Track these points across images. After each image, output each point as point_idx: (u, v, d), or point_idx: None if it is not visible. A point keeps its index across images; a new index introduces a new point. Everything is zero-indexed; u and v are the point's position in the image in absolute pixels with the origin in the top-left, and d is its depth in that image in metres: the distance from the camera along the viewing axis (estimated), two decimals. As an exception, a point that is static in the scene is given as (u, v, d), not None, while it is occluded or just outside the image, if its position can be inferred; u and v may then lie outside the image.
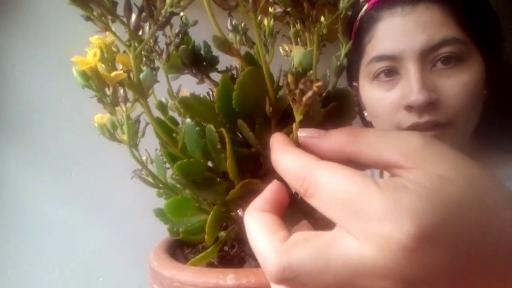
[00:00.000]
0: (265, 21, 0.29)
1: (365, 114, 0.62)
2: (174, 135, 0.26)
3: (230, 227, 0.29)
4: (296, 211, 0.23)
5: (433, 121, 0.50)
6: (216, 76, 0.29)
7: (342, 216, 0.16)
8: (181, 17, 0.27)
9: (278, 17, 0.25)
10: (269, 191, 0.20)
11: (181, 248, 0.31)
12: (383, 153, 0.17)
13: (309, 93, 0.19)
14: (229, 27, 0.27)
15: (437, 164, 0.16)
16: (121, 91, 0.20)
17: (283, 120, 0.25)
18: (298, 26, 0.25)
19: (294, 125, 0.21)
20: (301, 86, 0.19)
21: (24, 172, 0.70)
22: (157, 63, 0.27)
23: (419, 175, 0.16)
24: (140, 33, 0.18)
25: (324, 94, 0.25)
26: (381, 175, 0.65)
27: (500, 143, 0.58)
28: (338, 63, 0.27)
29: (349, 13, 0.59)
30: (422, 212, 0.14)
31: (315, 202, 0.17)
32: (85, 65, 0.19)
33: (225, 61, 0.30)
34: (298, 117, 0.20)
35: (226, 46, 0.23)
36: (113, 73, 0.20)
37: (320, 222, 0.31)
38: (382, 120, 0.56)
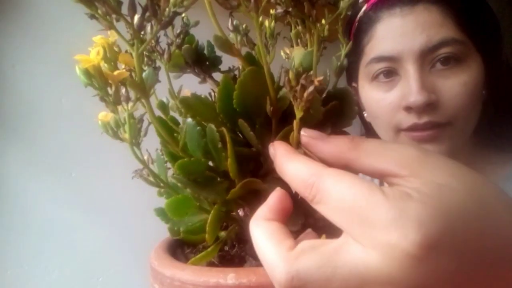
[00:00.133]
0: (266, 23, 0.29)
1: (365, 114, 0.62)
2: (175, 134, 0.26)
3: (230, 227, 0.29)
4: (296, 211, 0.23)
5: (432, 121, 0.50)
6: (218, 76, 0.29)
7: (349, 223, 0.16)
8: (183, 17, 0.27)
9: (279, 18, 0.25)
10: (273, 200, 0.20)
11: (181, 248, 0.31)
12: (379, 162, 0.18)
13: (310, 88, 0.19)
14: (230, 27, 0.28)
15: (434, 172, 0.17)
16: (123, 90, 0.20)
17: (284, 120, 0.25)
18: (299, 27, 0.26)
19: (294, 122, 0.21)
20: (302, 81, 0.19)
21: (24, 172, 0.70)
22: (158, 63, 0.27)
23: (418, 183, 0.16)
24: (142, 32, 0.18)
25: (324, 94, 0.26)
26: (381, 183, 0.65)
27: (500, 143, 0.58)
28: (339, 63, 0.27)
29: (349, 13, 0.59)
30: (427, 221, 0.15)
31: (322, 208, 0.17)
32: (88, 63, 0.19)
33: (228, 61, 0.30)
34: (299, 113, 0.20)
35: (227, 46, 0.23)
36: (116, 72, 0.20)
37: (320, 222, 0.32)
38: (381, 121, 0.56)
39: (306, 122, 0.21)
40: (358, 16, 0.57)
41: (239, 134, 0.26)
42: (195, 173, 0.24)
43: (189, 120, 0.24)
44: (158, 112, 0.26)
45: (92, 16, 0.16)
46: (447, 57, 0.49)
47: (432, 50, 0.49)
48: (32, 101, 0.72)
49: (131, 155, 0.24)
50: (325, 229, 0.30)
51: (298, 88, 0.19)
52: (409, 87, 0.50)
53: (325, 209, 0.17)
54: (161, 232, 0.31)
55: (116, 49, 0.22)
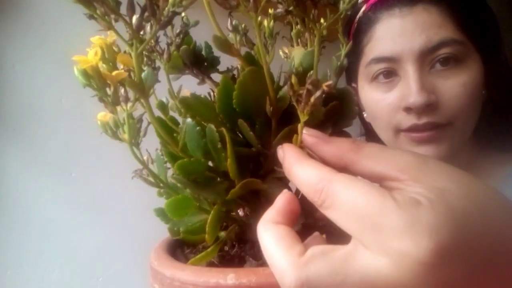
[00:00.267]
0: (265, 22, 0.29)
1: (364, 115, 0.62)
2: (174, 134, 0.26)
3: (230, 227, 0.29)
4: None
5: (432, 122, 0.50)
6: (217, 77, 0.29)
7: (359, 229, 0.16)
8: (182, 17, 0.27)
9: (278, 18, 0.25)
10: (282, 202, 0.20)
11: (181, 248, 0.31)
12: (379, 165, 0.18)
13: (318, 93, 0.19)
14: (229, 27, 0.27)
15: (433, 177, 0.17)
16: (122, 90, 0.20)
17: (284, 120, 0.25)
18: (299, 26, 0.26)
19: (299, 126, 0.21)
20: (308, 86, 0.19)
21: (24, 172, 0.70)
22: (158, 63, 0.27)
23: (419, 187, 0.16)
24: (141, 32, 0.18)
25: (324, 94, 0.25)
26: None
27: (500, 143, 0.58)
28: (339, 63, 0.27)
29: (348, 13, 0.59)
30: (438, 228, 0.15)
31: (332, 214, 0.17)
32: (86, 64, 0.19)
33: (226, 61, 0.30)
34: (303, 117, 0.20)
35: (226, 46, 0.23)
36: (114, 72, 0.20)
37: (320, 222, 0.32)
38: (381, 121, 0.56)
39: (307, 122, 0.21)
40: (357, 16, 0.57)
41: (239, 134, 0.26)
42: (194, 174, 0.24)
43: (189, 120, 0.24)
44: (157, 112, 0.26)
45: (91, 17, 0.16)
46: (447, 57, 0.49)
47: (432, 50, 0.49)
48: (32, 101, 0.72)
49: (131, 155, 0.24)
50: (325, 229, 0.30)
51: (304, 92, 0.19)
52: (408, 88, 0.50)
53: (335, 214, 0.17)
54: (161, 232, 0.31)
55: (115, 49, 0.22)
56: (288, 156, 0.20)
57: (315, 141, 0.20)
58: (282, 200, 0.20)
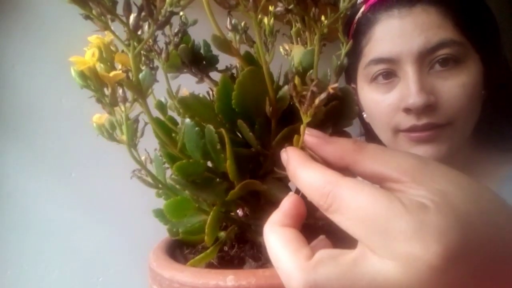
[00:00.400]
0: (265, 20, 0.28)
1: (364, 115, 0.62)
2: (173, 135, 0.26)
3: (230, 228, 0.29)
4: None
5: (431, 123, 0.50)
6: (216, 75, 0.28)
7: (367, 233, 0.16)
8: (181, 16, 0.27)
9: (278, 16, 0.25)
10: (288, 205, 0.20)
11: (180, 248, 0.31)
12: (381, 166, 0.18)
13: (323, 95, 0.19)
14: (229, 26, 0.27)
15: (435, 179, 0.17)
16: (120, 91, 0.20)
17: (283, 120, 0.25)
18: (298, 24, 0.25)
19: (301, 127, 0.21)
20: (313, 88, 0.19)
21: (24, 172, 0.70)
22: (156, 63, 0.27)
23: (422, 190, 0.16)
24: (139, 32, 0.18)
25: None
26: None
27: (500, 143, 0.58)
28: (339, 62, 0.26)
29: (348, 13, 0.59)
30: (447, 232, 0.15)
31: (338, 217, 0.17)
32: (83, 65, 0.19)
33: (225, 60, 0.30)
34: (306, 119, 0.20)
35: (225, 46, 0.23)
36: (112, 73, 0.20)
37: (320, 222, 0.31)
38: (380, 122, 0.56)
39: (307, 122, 0.21)
40: (357, 17, 0.57)
41: (238, 135, 0.26)
42: (193, 175, 0.24)
43: (188, 120, 0.24)
44: (155, 113, 0.26)
45: (87, 17, 0.16)
46: (446, 58, 0.49)
47: (431, 51, 0.49)
48: (32, 101, 0.72)
49: (129, 156, 0.23)
50: (325, 228, 0.30)
51: (308, 94, 0.19)
52: (408, 89, 0.50)
53: (342, 218, 0.17)
54: (161, 232, 0.31)
55: (113, 48, 0.22)
56: (292, 159, 0.20)
57: (316, 142, 0.20)
58: (288, 203, 0.20)
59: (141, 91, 0.19)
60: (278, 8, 0.21)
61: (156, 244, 0.30)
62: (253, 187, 0.25)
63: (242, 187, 0.24)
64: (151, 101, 0.25)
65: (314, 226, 0.31)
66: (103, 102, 0.20)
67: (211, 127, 0.23)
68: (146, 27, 0.18)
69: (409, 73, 0.50)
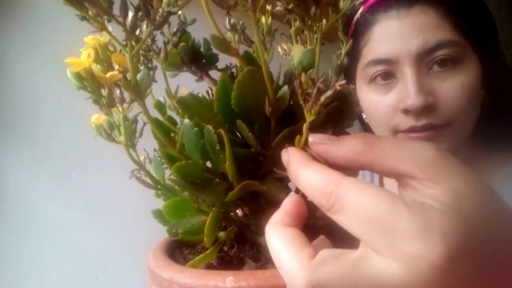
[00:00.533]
0: (263, 19, 0.28)
1: (363, 116, 0.62)
2: (172, 135, 0.26)
3: (229, 228, 0.29)
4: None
5: (430, 124, 0.50)
6: (215, 74, 0.28)
7: (370, 233, 0.16)
8: (179, 15, 0.27)
9: (277, 16, 0.24)
10: (290, 205, 0.20)
11: (180, 249, 0.31)
12: (398, 163, 0.17)
13: (329, 93, 0.19)
14: (228, 26, 0.27)
15: (452, 179, 0.16)
16: (117, 91, 0.20)
17: (283, 120, 0.25)
18: (297, 22, 0.25)
19: (304, 126, 0.21)
20: (320, 85, 0.19)
21: (24, 172, 0.70)
22: (154, 62, 0.27)
23: (437, 190, 0.16)
24: (137, 32, 0.18)
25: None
26: (381, 182, 0.65)
27: (499, 143, 0.58)
28: (339, 62, 0.26)
29: (347, 12, 0.58)
30: (451, 232, 0.15)
31: (340, 217, 0.17)
32: (79, 66, 0.19)
33: (225, 59, 0.30)
34: (309, 117, 0.20)
35: (224, 46, 0.23)
36: (108, 74, 0.19)
37: (320, 222, 0.31)
38: (379, 123, 0.56)
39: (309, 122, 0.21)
40: (355, 18, 0.57)
41: (238, 135, 0.26)
42: (193, 175, 0.24)
43: (186, 121, 0.23)
44: (154, 113, 0.26)
45: (83, 18, 0.16)
46: (444, 59, 0.49)
47: (429, 52, 0.49)
48: (32, 101, 0.72)
49: (127, 156, 0.23)
50: (325, 228, 0.30)
51: (314, 91, 0.19)
52: (406, 90, 0.50)
53: (344, 218, 0.17)
54: (161, 231, 0.31)
55: (111, 48, 0.22)
56: (293, 160, 0.20)
57: (324, 148, 0.20)
58: (289, 203, 0.20)
59: (139, 92, 0.19)
60: (278, 8, 0.21)
61: (155, 244, 0.30)
62: (253, 187, 0.24)
63: (241, 187, 0.23)
64: (149, 101, 0.25)
65: (314, 226, 0.30)
66: (100, 104, 0.20)
67: (210, 128, 0.23)
68: (144, 26, 0.18)
69: (407, 74, 0.50)
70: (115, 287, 0.79)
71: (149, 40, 0.25)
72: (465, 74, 0.50)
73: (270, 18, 0.28)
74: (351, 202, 0.16)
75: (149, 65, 0.26)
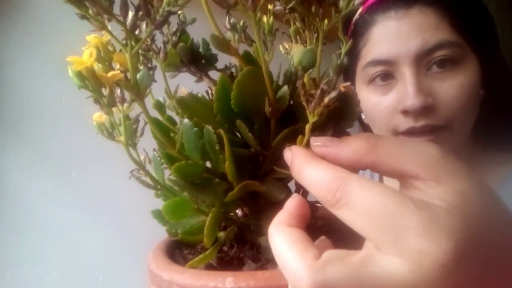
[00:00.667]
0: (264, 18, 0.28)
1: (363, 116, 0.62)
2: (172, 135, 0.26)
3: (229, 228, 0.29)
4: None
5: (429, 125, 0.49)
6: (215, 74, 0.28)
7: (376, 230, 0.16)
8: (179, 15, 0.27)
9: (278, 15, 0.24)
10: (293, 205, 0.20)
11: (180, 249, 0.31)
12: (401, 163, 0.17)
13: (333, 94, 0.18)
14: (227, 25, 0.27)
15: (455, 179, 0.17)
16: (118, 91, 0.20)
17: (283, 121, 0.25)
18: (298, 23, 0.25)
19: (307, 127, 0.21)
20: (323, 86, 0.19)
21: (24, 172, 0.70)
22: (154, 62, 0.27)
23: (441, 190, 0.16)
24: (137, 32, 0.18)
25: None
26: (380, 180, 0.65)
27: (499, 143, 0.58)
28: (339, 61, 0.26)
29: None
30: (457, 231, 0.15)
31: (345, 213, 0.17)
32: (80, 65, 0.19)
33: (224, 59, 0.30)
34: (312, 118, 0.20)
35: (224, 46, 0.23)
36: (110, 73, 0.19)
37: (320, 222, 0.31)
38: (379, 124, 0.56)
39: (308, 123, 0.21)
40: (354, 19, 0.57)
41: (238, 135, 0.26)
42: (192, 176, 0.24)
43: (186, 121, 0.23)
44: (154, 113, 0.26)
45: (83, 17, 0.16)
46: (443, 59, 0.49)
47: (428, 53, 0.49)
48: (32, 101, 0.72)
49: (127, 156, 0.23)
50: (325, 229, 0.30)
51: (318, 92, 0.19)
52: (405, 91, 0.50)
53: (349, 214, 0.17)
54: (161, 231, 0.31)
55: (111, 48, 0.22)
56: (297, 157, 0.20)
57: (327, 150, 0.20)
58: (293, 203, 0.20)
59: (138, 91, 0.19)
60: (277, 7, 0.21)
61: (155, 245, 0.30)
62: (252, 188, 0.24)
63: (241, 188, 0.23)
64: (149, 101, 0.25)
65: (314, 226, 0.30)
66: (101, 103, 0.20)
67: (210, 128, 0.23)
68: (144, 26, 0.18)
69: (406, 75, 0.50)
70: (115, 287, 0.79)
71: (148, 39, 0.25)
72: (464, 74, 0.50)
73: (271, 17, 0.28)
74: (358, 197, 0.16)
75: (149, 65, 0.26)
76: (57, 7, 0.74)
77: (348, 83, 0.19)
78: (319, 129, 0.22)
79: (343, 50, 0.25)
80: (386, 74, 0.52)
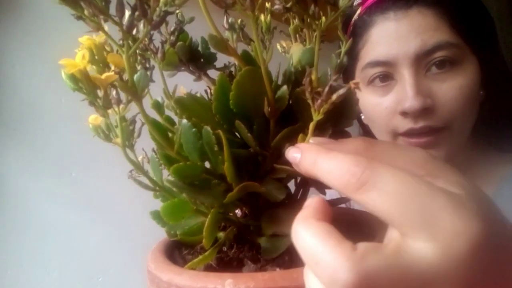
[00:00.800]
0: (262, 17, 0.28)
1: (362, 117, 0.62)
2: (170, 135, 0.26)
3: (228, 228, 0.28)
4: (295, 211, 0.22)
5: (428, 126, 0.49)
6: (214, 73, 0.28)
7: (405, 212, 0.16)
8: (177, 14, 0.27)
9: (276, 14, 0.24)
10: (316, 203, 0.19)
11: (179, 249, 0.30)
12: (396, 161, 0.18)
13: (342, 91, 0.18)
14: (225, 25, 0.27)
15: (449, 173, 0.17)
16: (114, 92, 0.20)
17: (282, 120, 0.25)
18: (296, 20, 0.25)
19: (310, 125, 0.21)
20: (332, 83, 0.19)
21: (24, 172, 0.70)
22: (152, 62, 0.27)
23: (439, 183, 0.17)
24: (134, 32, 0.18)
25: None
26: None
27: (498, 143, 0.58)
28: (338, 61, 0.26)
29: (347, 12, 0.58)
30: (481, 213, 0.15)
31: (372, 196, 0.16)
32: (73, 67, 0.18)
33: (224, 57, 0.30)
34: (317, 116, 0.20)
35: (222, 45, 0.22)
36: (104, 75, 0.19)
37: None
38: (378, 125, 0.56)
39: (306, 121, 0.21)
40: (353, 19, 0.56)
41: (237, 135, 0.26)
42: (191, 177, 0.23)
43: (185, 121, 0.23)
44: (151, 113, 0.26)
45: (79, 17, 0.16)
46: (443, 60, 0.49)
47: (427, 54, 0.49)
48: (32, 101, 0.72)
49: (124, 158, 0.23)
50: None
51: (326, 89, 0.19)
52: (404, 92, 0.49)
53: (377, 197, 0.16)
54: (161, 232, 0.31)
55: (107, 48, 0.22)
56: (309, 152, 0.20)
57: (330, 147, 0.20)
58: (315, 201, 0.19)
59: (136, 92, 0.19)
60: (276, 6, 0.21)
61: (154, 245, 0.30)
62: (252, 188, 0.24)
63: (240, 189, 0.23)
64: (147, 101, 0.25)
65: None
66: (96, 105, 0.19)
67: (208, 128, 0.23)
68: (141, 26, 0.18)
69: (405, 76, 0.50)
70: (115, 287, 0.79)
71: (146, 39, 0.24)
72: (464, 75, 0.49)
73: (269, 16, 0.28)
74: (386, 179, 0.16)
75: (147, 65, 0.26)
76: (57, 7, 0.73)
77: (357, 80, 0.19)
78: (319, 128, 0.22)
79: (343, 49, 0.25)
80: (385, 75, 0.52)
